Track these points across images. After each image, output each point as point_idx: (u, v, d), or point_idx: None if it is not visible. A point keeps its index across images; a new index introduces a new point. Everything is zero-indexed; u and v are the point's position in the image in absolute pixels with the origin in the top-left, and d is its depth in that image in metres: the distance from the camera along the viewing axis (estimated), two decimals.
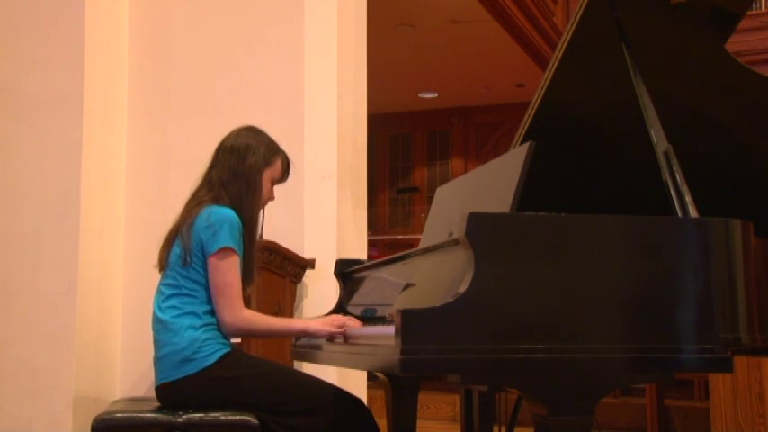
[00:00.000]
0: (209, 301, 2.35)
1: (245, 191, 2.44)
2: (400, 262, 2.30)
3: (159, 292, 2.41)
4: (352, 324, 2.32)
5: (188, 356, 2.28)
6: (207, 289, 2.35)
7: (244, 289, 2.41)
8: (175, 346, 2.30)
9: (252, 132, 2.53)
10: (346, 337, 2.30)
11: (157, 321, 2.37)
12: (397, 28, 7.50)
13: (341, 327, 2.31)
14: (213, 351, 2.30)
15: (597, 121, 2.54)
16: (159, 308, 2.38)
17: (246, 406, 2.27)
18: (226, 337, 2.39)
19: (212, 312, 2.35)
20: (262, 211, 2.64)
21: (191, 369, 2.28)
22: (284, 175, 2.57)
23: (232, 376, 2.29)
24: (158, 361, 2.35)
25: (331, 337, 2.37)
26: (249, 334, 2.49)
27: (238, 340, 2.99)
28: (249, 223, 2.44)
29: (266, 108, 3.64)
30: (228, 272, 2.32)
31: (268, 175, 2.50)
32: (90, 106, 3.66)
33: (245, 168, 2.45)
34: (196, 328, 2.31)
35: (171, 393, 2.32)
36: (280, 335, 2.70)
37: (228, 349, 2.34)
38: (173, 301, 2.35)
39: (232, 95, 3.77)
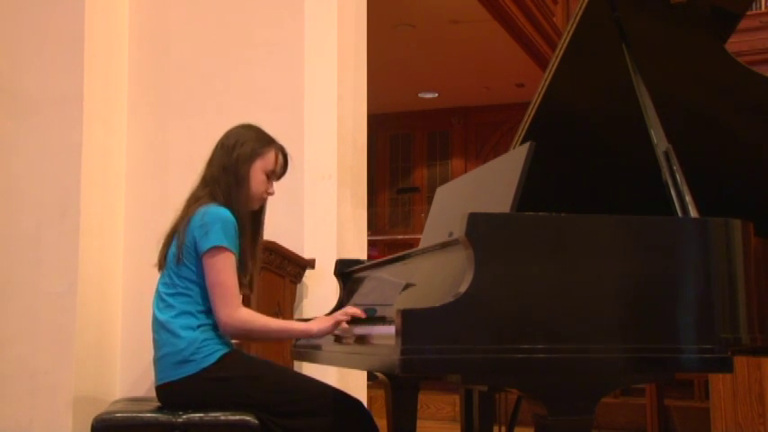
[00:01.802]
0: (205, 300, 2.33)
1: (234, 183, 2.42)
2: (400, 262, 2.30)
3: (157, 291, 2.41)
4: (353, 311, 2.28)
5: (186, 357, 2.28)
6: (201, 287, 2.33)
7: (240, 285, 2.38)
8: (174, 346, 2.30)
9: (243, 128, 2.53)
10: (345, 335, 2.28)
11: (156, 321, 2.37)
12: (397, 28, 7.51)
13: (344, 315, 2.28)
14: (212, 352, 2.29)
15: (597, 121, 2.54)
16: (158, 308, 2.38)
17: (246, 406, 2.26)
18: (225, 336, 2.38)
19: (208, 312, 2.33)
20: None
21: (189, 370, 2.28)
22: (281, 168, 2.53)
23: (231, 377, 2.28)
24: (157, 361, 2.35)
25: (339, 338, 2.34)
26: (247, 335, 2.43)
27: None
28: (240, 216, 2.41)
29: (266, 108, 3.64)
30: (221, 271, 2.30)
31: (259, 165, 2.47)
32: (90, 106, 3.65)
33: (232, 161, 2.44)
34: (194, 329, 2.30)
35: (170, 394, 2.32)
36: (279, 337, 2.63)
37: (227, 350, 2.33)
38: (169, 301, 2.35)
39: (232, 95, 3.77)
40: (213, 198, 2.41)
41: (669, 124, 2.05)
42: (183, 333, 2.30)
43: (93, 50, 3.70)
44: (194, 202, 2.43)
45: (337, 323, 2.30)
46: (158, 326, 2.36)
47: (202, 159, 2.54)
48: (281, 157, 2.53)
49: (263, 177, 2.49)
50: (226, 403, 2.26)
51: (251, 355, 2.55)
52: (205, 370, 2.27)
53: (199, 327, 2.31)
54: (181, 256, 2.33)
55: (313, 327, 2.34)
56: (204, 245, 2.31)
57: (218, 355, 2.30)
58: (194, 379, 2.27)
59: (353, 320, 2.30)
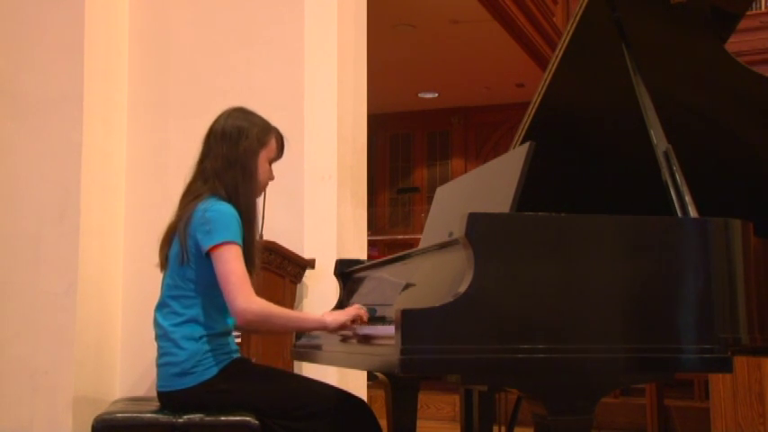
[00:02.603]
0: (208, 302, 2.30)
1: (242, 178, 2.36)
2: (400, 262, 2.30)
3: (161, 293, 2.37)
4: (362, 314, 2.26)
5: (187, 370, 2.25)
6: (205, 287, 2.29)
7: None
8: (175, 357, 2.27)
9: (242, 113, 2.45)
10: (349, 336, 2.26)
11: (158, 326, 2.34)
12: (397, 28, 7.51)
13: (355, 315, 2.24)
14: (212, 365, 2.26)
15: (597, 122, 2.54)
16: (160, 312, 2.34)
17: (249, 411, 2.25)
18: (226, 346, 2.34)
19: (211, 316, 2.30)
20: (262, 202, 2.59)
21: (189, 382, 2.25)
22: (279, 152, 2.49)
23: (232, 388, 2.26)
24: (158, 367, 2.33)
25: (344, 338, 2.31)
26: (265, 321, 2.28)
27: (238, 340, 2.97)
28: (247, 210, 2.36)
29: (266, 108, 3.60)
30: (229, 260, 2.23)
31: (264, 155, 2.41)
32: (90, 106, 3.66)
33: (239, 154, 2.36)
34: (196, 340, 2.27)
35: (171, 400, 2.30)
36: (295, 325, 2.45)
37: (229, 361, 2.31)
38: (173, 306, 2.31)
39: (232, 95, 3.76)
40: (214, 192, 2.34)
41: (669, 124, 2.05)
42: (185, 344, 2.26)
43: (93, 50, 3.70)
44: (193, 198, 2.36)
45: (351, 320, 2.24)
46: (161, 331, 2.33)
47: None
48: (279, 141, 2.48)
49: (267, 166, 2.44)
50: (228, 410, 2.24)
51: (252, 363, 2.51)
52: (205, 383, 2.25)
53: (201, 338, 2.28)
54: (185, 258, 2.29)
55: (327, 318, 2.28)
56: (207, 243, 2.25)
57: (218, 368, 2.27)
58: (195, 390, 2.25)
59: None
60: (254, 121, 2.44)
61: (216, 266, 2.25)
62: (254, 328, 2.54)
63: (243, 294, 2.21)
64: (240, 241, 2.29)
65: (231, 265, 2.23)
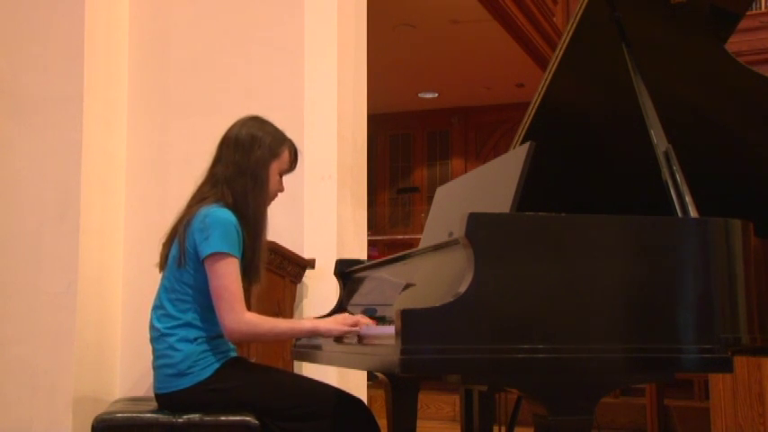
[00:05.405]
0: (204, 306, 2.29)
1: (252, 186, 2.35)
2: (400, 262, 2.30)
3: (157, 295, 2.37)
4: (365, 321, 2.21)
5: (183, 371, 2.25)
6: (200, 292, 2.28)
7: (248, 288, 2.33)
8: (170, 359, 2.27)
9: (257, 123, 2.45)
10: (360, 338, 2.22)
11: (153, 329, 2.34)
12: (396, 28, 7.51)
13: (354, 325, 2.20)
14: (209, 364, 2.26)
15: (597, 121, 2.54)
16: (156, 314, 2.34)
17: (247, 411, 2.25)
18: (223, 345, 2.34)
19: (206, 319, 2.29)
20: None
21: (186, 383, 2.25)
22: (292, 165, 2.48)
23: (230, 387, 2.26)
24: (155, 369, 2.33)
25: (339, 338, 2.30)
26: (254, 338, 2.36)
27: None
28: (255, 219, 2.35)
29: (266, 108, 3.60)
30: (224, 276, 2.23)
31: (275, 167, 2.41)
32: (90, 106, 3.65)
33: (251, 163, 2.36)
34: (191, 342, 2.27)
35: (169, 401, 2.30)
36: (286, 337, 2.47)
37: (225, 360, 2.30)
38: (168, 308, 2.30)
39: (232, 95, 3.77)
40: (220, 198, 2.33)
41: (669, 124, 2.05)
42: (180, 346, 2.27)
43: (93, 50, 3.70)
44: (199, 201, 2.35)
45: (348, 332, 2.22)
46: (155, 333, 2.32)
47: (202, 159, 2.52)
48: (293, 153, 2.47)
49: (278, 177, 2.44)
50: (226, 409, 2.24)
51: (250, 361, 2.51)
52: (202, 383, 2.25)
53: (196, 339, 2.28)
54: (183, 261, 2.28)
55: (320, 325, 2.27)
56: (205, 250, 2.24)
57: (215, 367, 2.27)
58: (192, 391, 2.25)
59: None
60: (269, 131, 2.44)
61: (210, 279, 2.25)
62: (245, 342, 2.55)
63: (233, 313, 2.22)
64: (237, 252, 2.28)
65: (224, 280, 2.23)
